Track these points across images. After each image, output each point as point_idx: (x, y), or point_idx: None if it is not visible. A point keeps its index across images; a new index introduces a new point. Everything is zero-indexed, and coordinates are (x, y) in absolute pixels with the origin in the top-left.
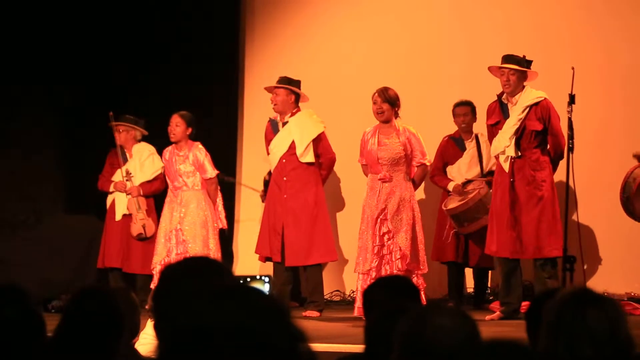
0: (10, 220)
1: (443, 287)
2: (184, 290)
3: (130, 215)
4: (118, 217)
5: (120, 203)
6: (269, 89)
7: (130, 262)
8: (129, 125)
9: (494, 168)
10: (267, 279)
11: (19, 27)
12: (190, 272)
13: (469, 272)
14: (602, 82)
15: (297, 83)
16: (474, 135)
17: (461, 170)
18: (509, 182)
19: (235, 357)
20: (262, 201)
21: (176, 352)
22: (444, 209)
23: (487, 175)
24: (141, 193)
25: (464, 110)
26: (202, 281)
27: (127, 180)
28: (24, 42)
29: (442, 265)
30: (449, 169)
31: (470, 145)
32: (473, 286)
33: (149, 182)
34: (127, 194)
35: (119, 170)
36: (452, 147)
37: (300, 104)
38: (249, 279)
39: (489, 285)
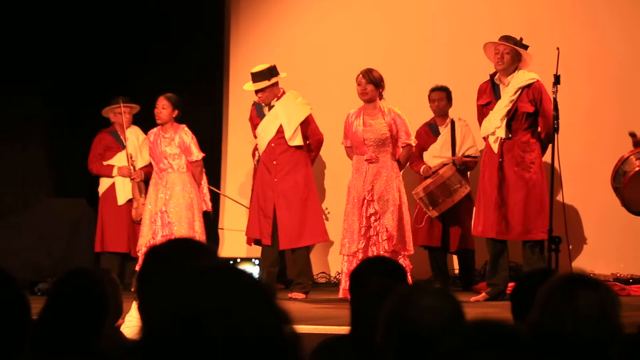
0: None
1: (426, 269)
2: (168, 272)
3: (132, 199)
4: (121, 201)
5: (122, 187)
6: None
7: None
8: (127, 105)
9: (467, 153)
10: (257, 261)
11: (4, 14)
12: (175, 253)
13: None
14: (588, 62)
15: (274, 70)
16: (448, 120)
17: (433, 155)
18: (498, 163)
19: (220, 338)
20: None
21: (160, 334)
22: (412, 193)
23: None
24: (143, 177)
25: (439, 95)
26: (186, 263)
27: (131, 164)
28: (9, 27)
29: (424, 248)
30: (424, 154)
31: (444, 130)
32: (458, 271)
33: (146, 166)
34: (132, 179)
35: (119, 155)
36: (427, 133)
37: (281, 86)
38: (239, 260)
39: (475, 267)
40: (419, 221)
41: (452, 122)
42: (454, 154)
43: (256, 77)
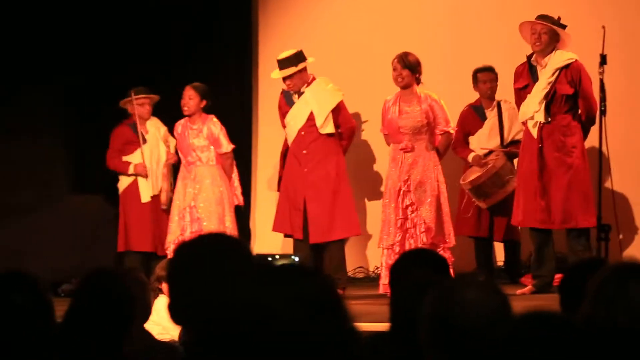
0: (18, 205)
1: (469, 262)
2: (200, 269)
3: (156, 195)
4: (145, 198)
5: (146, 184)
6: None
7: (163, 245)
8: (148, 96)
9: (516, 137)
10: (296, 258)
11: (20, 11)
12: (205, 250)
13: (499, 246)
14: (635, 41)
15: (301, 55)
16: (495, 102)
17: (481, 141)
18: (537, 149)
19: (282, 337)
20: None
21: (224, 330)
22: (461, 182)
23: (510, 145)
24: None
25: (489, 76)
26: (219, 259)
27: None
28: (27, 25)
29: (469, 239)
30: (470, 139)
31: (491, 114)
32: (504, 262)
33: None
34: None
35: (137, 151)
36: (473, 117)
37: (312, 70)
38: (277, 257)
39: (521, 257)
40: (467, 211)
41: (499, 105)
42: (503, 139)
43: (282, 63)
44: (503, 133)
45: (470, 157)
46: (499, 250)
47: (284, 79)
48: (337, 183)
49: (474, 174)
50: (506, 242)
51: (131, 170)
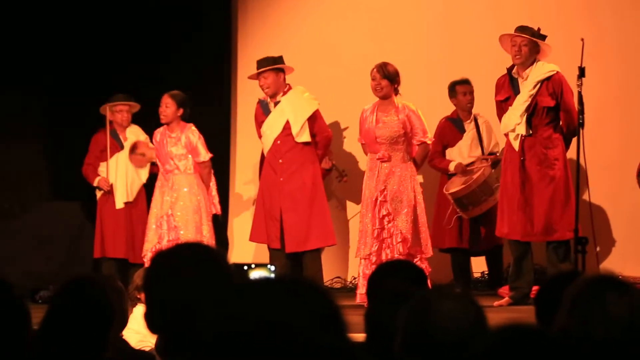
0: None
1: (448, 271)
2: (176, 279)
3: (130, 202)
4: (119, 205)
5: (120, 190)
6: (254, 76)
7: (136, 253)
8: (125, 103)
9: (494, 150)
10: (272, 267)
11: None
12: (182, 259)
13: (476, 257)
14: (617, 53)
15: (279, 59)
16: (472, 116)
17: (462, 153)
18: (519, 161)
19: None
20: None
21: (223, 342)
22: (446, 192)
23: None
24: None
25: (467, 88)
26: (195, 269)
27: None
28: (6, 32)
29: (442, 252)
30: (448, 151)
31: (469, 126)
32: (488, 270)
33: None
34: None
35: (117, 155)
36: (451, 129)
37: (289, 79)
38: (253, 266)
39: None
40: (449, 222)
41: (475, 119)
42: (483, 150)
43: (260, 63)
44: (482, 145)
45: (452, 166)
46: (476, 262)
47: (259, 77)
48: (313, 192)
49: (457, 184)
50: (488, 251)
51: (95, 182)
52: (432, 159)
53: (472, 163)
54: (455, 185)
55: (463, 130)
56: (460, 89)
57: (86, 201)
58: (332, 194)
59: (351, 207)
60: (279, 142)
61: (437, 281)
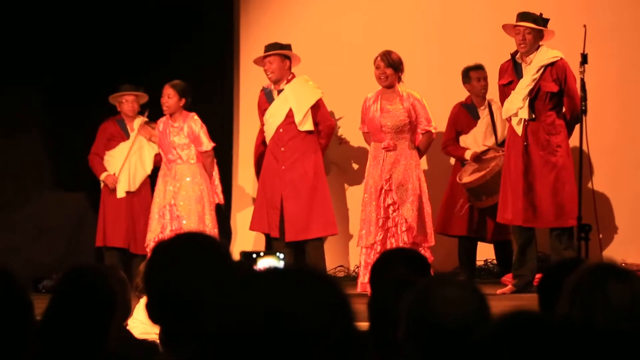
0: None
1: (450, 260)
2: (177, 269)
3: (133, 192)
4: (120, 194)
5: (122, 180)
6: (259, 60)
7: (137, 243)
8: (132, 93)
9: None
10: (281, 256)
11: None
12: (184, 249)
13: (482, 246)
14: (617, 39)
15: (288, 47)
16: (486, 102)
17: (477, 140)
18: (523, 146)
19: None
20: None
21: (233, 333)
22: (459, 182)
23: (502, 145)
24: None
25: (482, 74)
26: (197, 258)
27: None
28: (6, 24)
29: (448, 238)
30: (462, 138)
31: (483, 113)
32: (496, 260)
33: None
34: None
35: (122, 144)
36: (465, 115)
37: (294, 70)
38: (261, 254)
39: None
40: (461, 210)
41: (489, 105)
42: (497, 138)
43: (267, 48)
44: (496, 132)
45: (467, 154)
46: (481, 250)
47: (265, 62)
48: (314, 181)
49: (471, 172)
50: (497, 242)
51: (102, 177)
52: (446, 146)
53: (486, 151)
54: (468, 174)
55: (477, 117)
56: (474, 75)
57: (89, 190)
58: (332, 183)
59: (352, 196)
60: (281, 130)
61: (440, 269)
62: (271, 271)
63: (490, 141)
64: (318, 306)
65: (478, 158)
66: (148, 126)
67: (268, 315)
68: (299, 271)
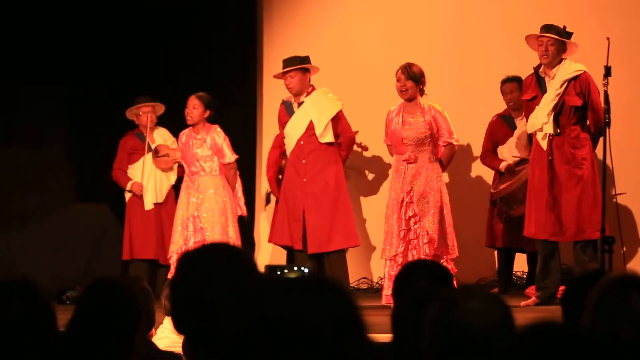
0: (19, 213)
1: (472, 273)
2: (202, 279)
3: (160, 203)
4: (149, 206)
5: (149, 192)
6: (279, 75)
7: (166, 254)
8: (148, 105)
9: None
10: (306, 270)
11: (22, 21)
12: (209, 259)
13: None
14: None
15: (306, 58)
16: (523, 113)
17: (512, 150)
18: (548, 161)
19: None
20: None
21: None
22: (492, 191)
23: None
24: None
25: (511, 87)
26: (222, 269)
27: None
28: (29, 36)
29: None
30: (500, 149)
31: (520, 123)
32: (528, 270)
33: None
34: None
35: (141, 160)
36: (502, 126)
37: (314, 82)
38: (286, 270)
39: None
40: (498, 221)
41: None
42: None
43: (286, 62)
44: (532, 142)
45: (502, 166)
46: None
47: (285, 76)
48: (336, 193)
49: (506, 183)
50: (531, 252)
51: (128, 187)
52: (485, 157)
53: (520, 162)
54: (502, 185)
55: (514, 127)
56: (503, 88)
57: (113, 203)
58: (354, 195)
59: (374, 208)
60: (302, 142)
61: (463, 281)
62: (286, 281)
63: (526, 152)
64: (327, 316)
65: (511, 170)
66: (163, 155)
67: (278, 324)
68: (313, 281)
